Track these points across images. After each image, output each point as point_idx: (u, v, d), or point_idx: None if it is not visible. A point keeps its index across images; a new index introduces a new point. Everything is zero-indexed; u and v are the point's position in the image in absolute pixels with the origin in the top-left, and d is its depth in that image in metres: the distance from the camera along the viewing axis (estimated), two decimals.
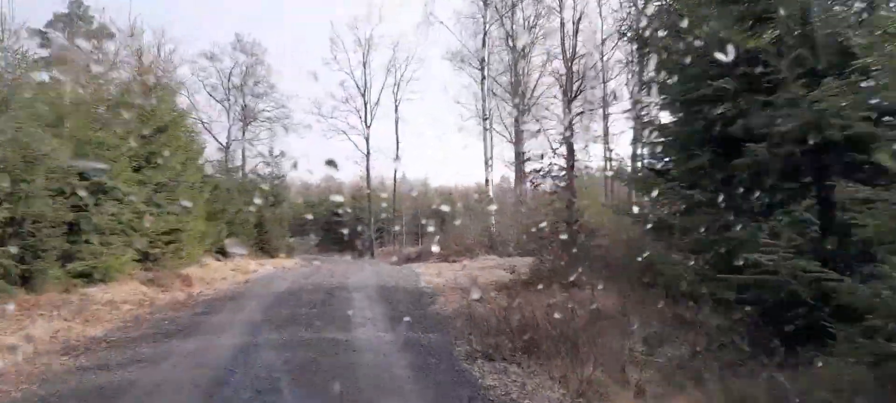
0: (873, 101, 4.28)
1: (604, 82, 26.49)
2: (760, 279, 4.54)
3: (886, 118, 4.47)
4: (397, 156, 35.12)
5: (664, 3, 7.55)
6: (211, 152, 30.58)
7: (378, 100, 35.39)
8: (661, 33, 8.20)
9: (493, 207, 25.25)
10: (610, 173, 27.68)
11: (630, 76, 25.34)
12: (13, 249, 10.01)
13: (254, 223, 26.08)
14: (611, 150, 27.03)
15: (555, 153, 12.01)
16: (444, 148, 60.00)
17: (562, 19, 22.63)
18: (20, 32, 14.14)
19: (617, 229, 16.64)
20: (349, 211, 35.81)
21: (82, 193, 11.89)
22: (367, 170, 35.40)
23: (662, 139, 8.53)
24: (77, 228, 12.10)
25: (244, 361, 6.40)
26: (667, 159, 8.77)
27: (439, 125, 67.22)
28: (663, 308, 7.80)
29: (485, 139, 28.22)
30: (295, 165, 46.35)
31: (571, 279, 10.03)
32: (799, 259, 4.45)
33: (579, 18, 22.31)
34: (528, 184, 27.36)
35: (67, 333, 8.41)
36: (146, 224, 14.66)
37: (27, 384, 5.83)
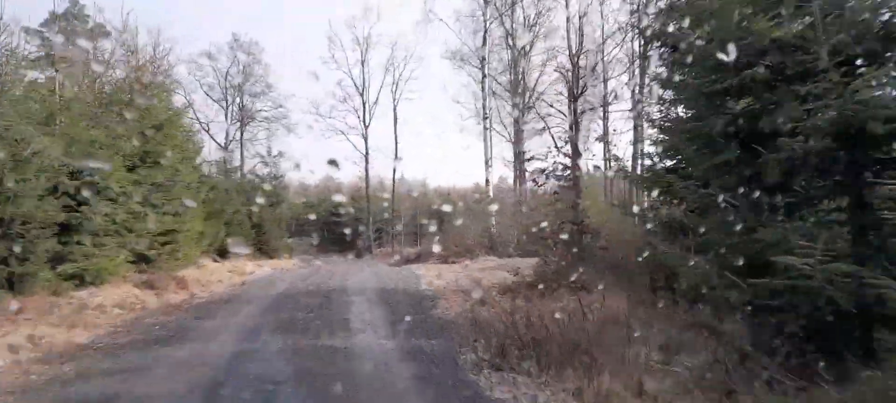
0: None
1: (604, 81, 26.20)
2: (795, 284, 4.17)
3: None
4: (397, 156, 34.85)
5: None
6: (209, 152, 30.29)
7: (376, 99, 35.09)
8: (674, 26, 7.86)
9: (494, 207, 24.87)
10: (611, 173, 27.46)
11: (630, 76, 25.11)
12: None
13: (252, 224, 25.70)
14: (612, 150, 26.81)
15: (559, 151, 11.62)
16: (444, 148, 59.64)
17: (568, 15, 22.24)
18: (12, 30, 13.78)
19: (621, 230, 16.30)
20: (351, 211, 35.44)
21: (85, 193, 11.56)
22: (366, 170, 35.11)
23: (676, 136, 8.20)
24: (68, 229, 11.74)
25: (237, 371, 6.03)
26: (679, 157, 8.44)
27: (438, 125, 66.87)
28: (678, 313, 7.46)
29: (485, 139, 27.86)
30: (297, 166, 45.95)
31: (578, 281, 9.69)
32: (836, 263, 4.09)
33: (584, 14, 21.92)
34: (530, 184, 27.05)
35: (53, 339, 8.03)
36: (150, 225, 14.34)
37: (3, 396, 5.45)
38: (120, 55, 19.93)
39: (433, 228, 29.38)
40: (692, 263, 5.62)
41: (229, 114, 35.31)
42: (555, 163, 11.37)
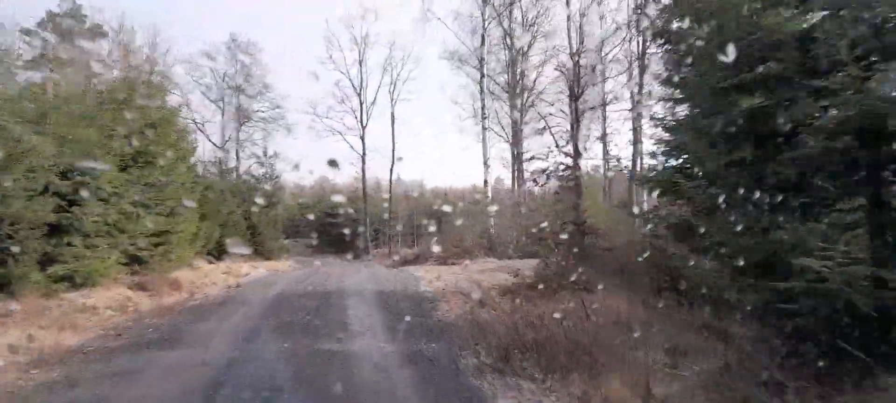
0: None
1: (603, 82, 26.05)
2: (813, 287, 3.99)
3: None
4: (395, 157, 34.56)
5: None
6: (204, 153, 30.07)
7: (374, 99, 34.88)
8: (677, 23, 7.70)
9: (493, 208, 24.69)
10: (610, 173, 27.32)
11: (629, 77, 24.94)
12: None
13: (247, 224, 25.45)
14: (611, 150, 26.66)
15: (560, 151, 11.43)
16: (441, 148, 59.50)
17: (568, 14, 22.01)
18: (7, 30, 13.59)
19: (622, 230, 16.12)
20: (350, 212, 35.19)
21: (76, 193, 11.32)
22: (363, 170, 34.88)
23: (681, 135, 8.03)
24: (59, 230, 11.51)
25: (229, 378, 5.81)
26: (685, 157, 8.27)
27: (436, 126, 66.68)
28: (683, 314, 7.28)
29: (483, 139, 27.68)
30: (296, 166, 45.71)
31: (579, 282, 9.51)
32: (856, 266, 3.91)
33: (585, 12, 21.72)
34: (529, 185, 26.85)
35: (42, 343, 7.81)
36: (147, 225, 14.10)
37: None
38: (117, 55, 19.76)
39: (431, 229, 29.18)
40: (702, 265, 5.45)
41: (226, 115, 35.07)
42: (556, 163, 11.17)
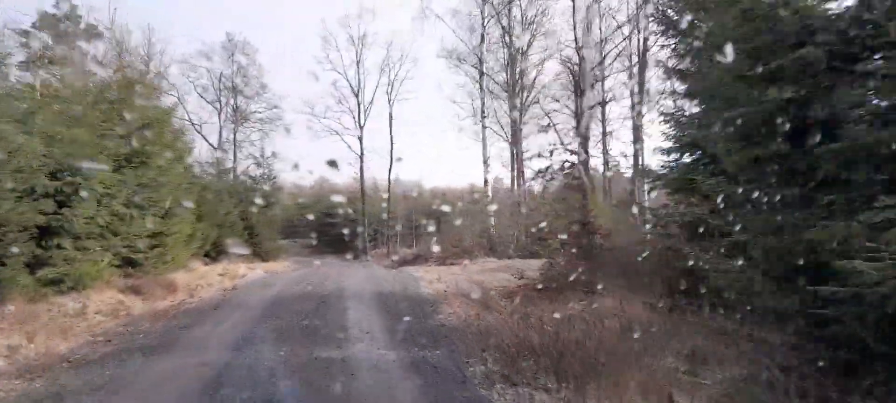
0: None
1: (603, 80, 25.71)
2: (859, 292, 3.65)
3: None
4: (393, 157, 34.12)
5: None
6: (200, 153, 29.70)
7: (371, 99, 34.51)
8: (696, 12, 7.37)
9: (493, 207, 24.36)
10: (610, 173, 26.99)
11: (630, 76, 24.61)
12: None
13: (244, 225, 25.05)
14: (611, 150, 26.30)
15: (565, 148, 11.07)
16: (439, 148, 59.03)
17: (574, 6, 21.54)
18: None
19: (630, 230, 15.77)
20: (350, 212, 34.80)
21: (66, 194, 10.95)
22: (361, 170, 34.49)
23: (697, 129, 7.69)
24: (48, 232, 11.13)
25: (226, 387, 5.46)
26: (699, 152, 7.94)
27: (434, 125, 66.29)
28: (702, 319, 6.94)
29: (483, 138, 27.34)
30: (295, 166, 45.28)
31: (589, 285, 9.18)
32: None
33: (591, 4, 21.24)
34: (530, 184, 26.50)
35: (27, 350, 7.47)
36: (146, 225, 13.73)
37: None
38: (111, 55, 19.39)
39: (430, 229, 28.84)
40: (725, 266, 5.11)
41: (222, 115, 34.68)
42: (561, 160, 10.82)
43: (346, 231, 34.04)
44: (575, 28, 21.09)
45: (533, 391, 5.29)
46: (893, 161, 3.70)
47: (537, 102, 24.85)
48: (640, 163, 22.67)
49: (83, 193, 11.61)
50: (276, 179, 30.36)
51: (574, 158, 10.94)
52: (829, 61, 4.09)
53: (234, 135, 34.61)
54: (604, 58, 21.53)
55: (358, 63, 34.05)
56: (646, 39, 22.62)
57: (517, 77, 29.10)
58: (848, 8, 3.95)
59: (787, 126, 4.43)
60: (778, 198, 4.76)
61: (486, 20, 28.32)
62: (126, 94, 14.70)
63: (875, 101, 3.71)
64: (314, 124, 33.73)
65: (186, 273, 16.28)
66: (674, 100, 9.85)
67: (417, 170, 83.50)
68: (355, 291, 12.53)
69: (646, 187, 21.93)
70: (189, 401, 5.14)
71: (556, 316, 7.41)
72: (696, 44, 6.79)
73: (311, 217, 36.90)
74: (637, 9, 22.21)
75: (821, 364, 4.43)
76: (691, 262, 6.88)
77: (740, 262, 4.93)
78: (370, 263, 28.49)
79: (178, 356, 6.99)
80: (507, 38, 29.16)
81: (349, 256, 31.50)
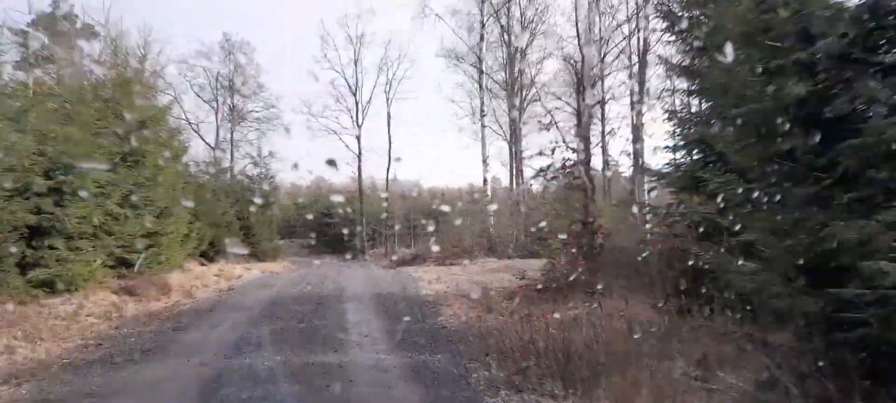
0: None
1: (602, 79, 25.51)
2: (886, 294, 3.45)
3: None
4: (391, 156, 33.89)
5: None
6: (200, 153, 29.49)
7: (370, 98, 34.30)
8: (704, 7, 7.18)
9: (493, 207, 24.16)
10: (609, 172, 26.79)
11: (630, 75, 24.42)
12: None
13: (241, 225, 24.79)
14: (611, 149, 26.09)
15: (567, 147, 10.88)
16: (438, 148, 58.70)
17: (576, 3, 21.31)
18: None
19: (627, 230, 15.57)
20: (348, 211, 34.57)
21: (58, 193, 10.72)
22: (359, 170, 34.25)
23: (704, 127, 7.50)
24: (40, 232, 10.90)
25: (218, 396, 5.24)
26: (706, 150, 7.74)
27: (432, 125, 66.01)
28: (709, 322, 6.73)
29: (483, 136, 27.14)
30: (295, 166, 45.00)
31: (593, 286, 8.97)
32: None
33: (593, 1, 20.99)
34: (530, 183, 26.28)
35: (14, 355, 7.24)
36: (147, 224, 13.51)
37: None
38: (107, 54, 19.14)
39: (429, 229, 28.63)
40: (738, 267, 4.90)
41: (220, 115, 34.42)
42: (563, 158, 10.60)
43: (344, 231, 33.84)
44: (577, 24, 20.90)
45: (539, 397, 5.09)
46: None
47: (538, 100, 24.61)
48: (641, 162, 22.51)
49: (83, 194, 11.40)
50: (274, 179, 30.12)
51: (575, 157, 10.72)
52: (849, 53, 3.89)
53: (232, 134, 34.39)
54: (604, 56, 21.35)
55: (356, 62, 33.86)
56: (646, 38, 22.47)
57: (516, 76, 28.92)
58: None
59: (805, 121, 4.23)
60: (794, 196, 4.56)
61: (485, 18, 28.14)
62: (121, 93, 14.45)
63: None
64: (312, 123, 33.49)
65: (181, 273, 16.03)
66: (679, 98, 9.67)
67: (416, 169, 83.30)
68: (354, 292, 12.32)
69: (646, 186, 21.79)
70: None
71: (560, 317, 7.20)
72: (703, 40, 6.60)
73: (309, 217, 36.70)
74: (637, 8, 22.08)
75: (841, 368, 4.23)
76: (699, 263, 6.69)
77: (753, 263, 4.73)
78: (368, 263, 28.28)
79: (170, 361, 6.77)
80: (506, 37, 29.00)
81: (348, 256, 31.30)
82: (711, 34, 6.16)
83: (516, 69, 28.92)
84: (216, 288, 14.61)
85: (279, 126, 33.92)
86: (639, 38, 23.22)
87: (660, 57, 11.95)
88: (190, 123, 31.48)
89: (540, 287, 10.44)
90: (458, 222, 24.21)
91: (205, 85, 33.59)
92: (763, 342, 5.19)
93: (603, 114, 26.01)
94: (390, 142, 34.03)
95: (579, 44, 18.12)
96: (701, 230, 6.96)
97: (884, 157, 3.71)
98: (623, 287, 8.98)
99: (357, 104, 34.04)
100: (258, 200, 27.09)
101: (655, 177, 8.84)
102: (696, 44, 7.27)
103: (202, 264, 19.56)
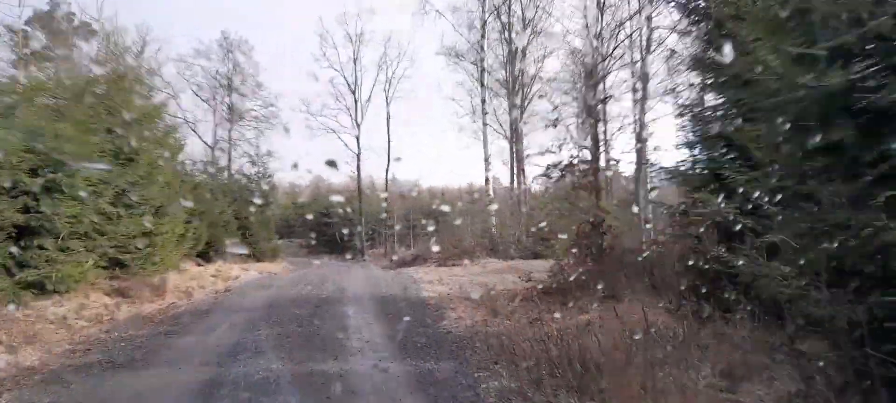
0: None
1: (603, 78, 25.10)
2: None
3: None
4: (390, 155, 33.55)
5: None
6: (197, 152, 29.11)
7: (369, 97, 33.95)
8: None
9: (494, 207, 23.80)
10: (610, 172, 26.39)
11: (632, 73, 24.02)
12: None
13: (238, 225, 24.41)
14: (611, 149, 25.69)
15: (575, 144, 10.51)
16: (437, 147, 58.46)
17: None
18: None
19: (634, 230, 15.21)
20: (348, 211, 34.21)
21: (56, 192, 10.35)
22: (358, 169, 33.89)
23: (726, 122, 7.14)
24: (28, 232, 10.52)
25: None
26: (726, 146, 7.38)
27: (432, 124, 65.65)
28: (731, 329, 6.38)
29: (484, 135, 26.77)
30: (295, 166, 44.64)
31: (605, 289, 8.62)
32: None
33: None
34: (532, 182, 25.95)
35: None
36: (147, 224, 13.13)
37: None
38: (102, 51, 18.74)
39: (430, 229, 28.29)
40: (776, 271, 4.53)
41: (217, 114, 34.01)
42: (571, 156, 10.23)
43: (344, 231, 33.50)
44: (586, 14, 20.42)
45: None
46: None
47: (543, 96, 24.15)
48: (645, 160, 22.12)
49: (74, 192, 11.03)
50: (272, 178, 29.74)
51: (585, 154, 10.35)
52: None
53: (230, 133, 33.98)
54: (614, 50, 20.97)
55: (355, 61, 33.53)
56: (650, 33, 22.11)
57: (518, 74, 28.57)
58: None
59: (850, 112, 3.86)
60: (834, 194, 4.19)
61: (486, 13, 27.81)
62: (114, 89, 14.05)
63: None
64: (311, 122, 33.18)
65: (177, 274, 15.64)
66: (691, 93, 9.30)
67: (416, 169, 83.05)
68: (353, 295, 11.94)
69: (648, 186, 21.42)
70: None
71: (573, 324, 6.85)
72: (727, 28, 6.22)
73: (308, 217, 36.37)
74: (640, 4, 21.69)
75: (886, 382, 3.88)
76: (719, 265, 6.33)
77: (788, 267, 4.36)
78: (368, 264, 27.92)
79: (162, 368, 6.39)
80: (506, 34, 28.63)
81: (348, 256, 30.97)
82: (737, 21, 5.78)
83: (517, 67, 28.58)
84: (213, 290, 14.25)
85: (278, 125, 33.55)
86: (642, 34, 22.86)
87: (672, 50, 11.57)
88: (187, 122, 31.13)
89: (548, 289, 10.09)
90: (458, 222, 23.86)
91: (203, 84, 33.21)
92: (796, 351, 4.84)
93: (604, 113, 25.64)
94: (390, 142, 33.76)
95: (588, 35, 17.69)
96: (723, 230, 6.60)
97: None
98: (639, 290, 8.64)
99: (356, 102, 33.75)
100: (257, 200, 26.72)
101: (669, 176, 8.47)
102: (717, 33, 6.91)
103: (199, 264, 19.18)
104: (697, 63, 8.52)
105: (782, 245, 4.80)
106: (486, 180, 27.18)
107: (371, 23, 51.98)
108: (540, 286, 10.46)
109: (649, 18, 22.04)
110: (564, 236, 11.63)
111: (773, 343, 5.15)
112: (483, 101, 27.58)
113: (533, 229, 21.34)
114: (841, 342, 4.25)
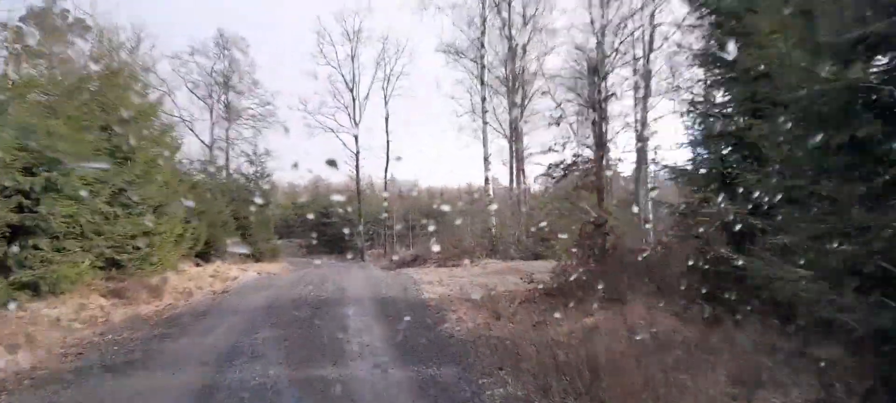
0: None
1: (604, 77, 24.91)
2: None
3: None
4: (389, 154, 33.33)
5: None
6: (194, 151, 28.90)
7: (367, 95, 33.75)
8: None
9: (494, 207, 23.61)
10: (610, 172, 26.21)
11: (634, 71, 23.83)
12: None
13: (237, 224, 24.21)
14: (611, 149, 25.50)
15: (579, 143, 10.33)
16: (437, 147, 58.27)
17: None
18: None
19: (635, 230, 15.03)
20: (348, 211, 34.02)
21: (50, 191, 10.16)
22: (357, 169, 33.68)
23: (737, 118, 6.99)
24: (22, 232, 10.34)
25: None
26: (735, 144, 7.21)
27: (431, 124, 65.48)
28: (741, 333, 6.20)
29: (484, 133, 26.58)
30: (295, 165, 44.44)
31: (609, 291, 8.44)
32: None
33: None
34: (533, 182, 25.76)
35: None
36: (148, 223, 12.95)
37: None
38: (95, 48, 18.56)
39: (429, 229, 28.12)
40: (792, 274, 4.37)
41: (214, 112, 33.81)
42: (575, 155, 10.05)
43: (344, 231, 33.31)
44: (590, 9, 20.14)
45: None
46: None
47: (546, 92, 23.85)
48: (646, 160, 21.96)
49: (70, 191, 10.86)
50: (270, 177, 29.54)
51: (589, 153, 10.16)
52: None
53: (227, 131, 33.77)
54: (618, 45, 20.77)
55: (353, 58, 33.33)
56: (653, 30, 21.94)
57: (518, 72, 28.38)
58: None
59: (873, 108, 3.70)
60: (851, 194, 4.03)
61: (486, 9, 27.63)
62: (108, 85, 13.86)
63: None
64: (310, 121, 32.99)
65: (175, 275, 15.45)
66: (697, 90, 9.13)
67: (415, 169, 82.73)
68: (353, 296, 11.76)
69: (648, 185, 21.24)
70: None
71: (579, 328, 6.68)
72: (741, 22, 6.06)
73: (308, 216, 36.18)
74: (643, 3, 21.50)
75: None
76: (730, 267, 6.18)
77: (804, 270, 4.20)
78: (368, 264, 27.73)
79: (156, 372, 6.22)
80: (506, 31, 28.44)
81: (348, 256, 30.78)
82: (751, 15, 5.62)
83: (517, 64, 28.38)
84: (211, 291, 14.06)
85: (275, 123, 33.35)
86: (644, 32, 22.66)
87: (679, 45, 11.38)
88: (184, 120, 30.93)
89: (550, 292, 9.91)
90: (458, 222, 23.68)
91: (199, 81, 33.00)
92: (812, 357, 4.67)
93: (605, 113, 25.47)
94: (388, 141, 33.54)
95: (594, 31, 17.43)
96: (732, 231, 6.43)
97: None
98: (645, 292, 8.46)
99: (354, 101, 33.56)
100: (256, 199, 26.53)
101: (674, 175, 8.29)
102: (728, 26, 6.75)
103: (197, 265, 18.99)
104: (704, 59, 8.35)
105: (795, 247, 4.64)
106: (486, 180, 26.98)
107: (369, 20, 51.69)
108: (541, 287, 10.28)
109: (653, 15, 21.90)
110: (565, 236, 11.47)
111: (786, 348, 4.97)
112: (483, 100, 27.39)
113: (533, 229, 21.17)
114: (863, 348, 4.09)
